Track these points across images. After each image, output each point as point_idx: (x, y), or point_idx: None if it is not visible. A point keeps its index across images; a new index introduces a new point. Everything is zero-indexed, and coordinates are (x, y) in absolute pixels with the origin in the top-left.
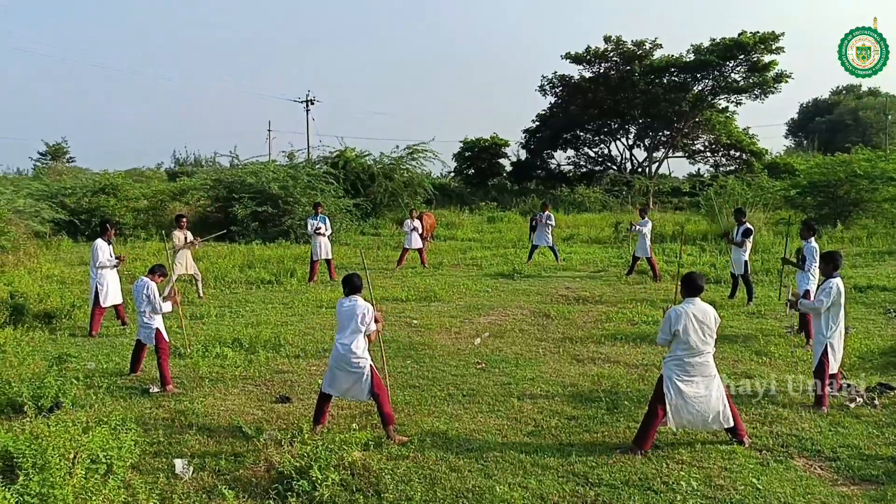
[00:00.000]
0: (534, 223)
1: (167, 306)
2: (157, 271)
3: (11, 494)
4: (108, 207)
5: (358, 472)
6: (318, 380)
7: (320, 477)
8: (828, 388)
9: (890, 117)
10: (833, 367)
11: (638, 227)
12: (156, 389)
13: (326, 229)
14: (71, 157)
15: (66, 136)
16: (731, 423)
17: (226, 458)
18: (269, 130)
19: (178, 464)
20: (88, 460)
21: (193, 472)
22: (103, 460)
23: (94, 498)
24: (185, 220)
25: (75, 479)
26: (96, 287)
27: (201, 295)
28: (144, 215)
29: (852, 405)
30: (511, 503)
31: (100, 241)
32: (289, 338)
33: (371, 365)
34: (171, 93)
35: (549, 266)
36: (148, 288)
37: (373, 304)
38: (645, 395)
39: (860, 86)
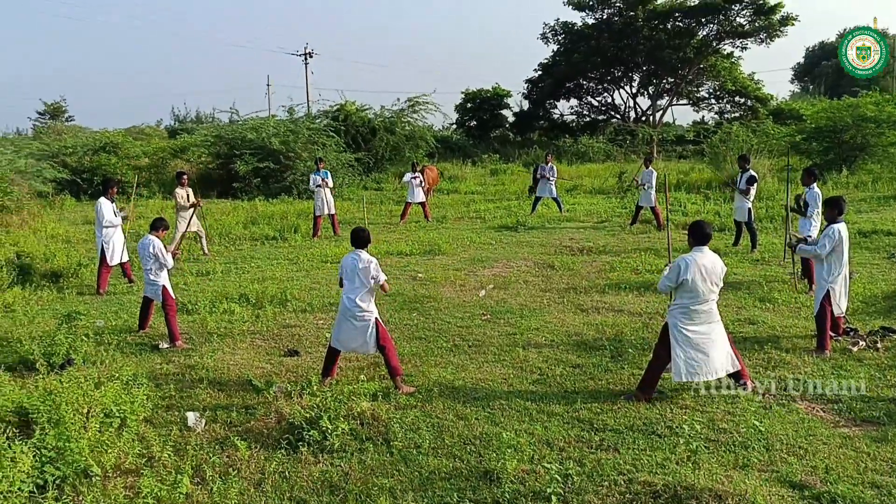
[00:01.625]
0: (537, 175)
1: (170, 259)
2: (160, 226)
3: (29, 448)
4: (110, 166)
5: (367, 422)
6: (325, 333)
7: (330, 427)
8: (830, 333)
9: None
10: (836, 311)
11: (643, 179)
12: (165, 345)
13: (329, 184)
14: (70, 116)
15: (64, 94)
16: (737, 367)
17: (237, 410)
18: (268, 85)
19: (191, 416)
20: (102, 414)
21: (205, 425)
22: (117, 414)
23: (109, 450)
24: (186, 177)
25: (90, 432)
26: (102, 246)
27: (206, 252)
28: (146, 173)
29: (855, 349)
30: (517, 448)
31: (103, 200)
32: (295, 293)
33: (377, 318)
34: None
35: (552, 217)
36: (154, 245)
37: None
38: (649, 342)
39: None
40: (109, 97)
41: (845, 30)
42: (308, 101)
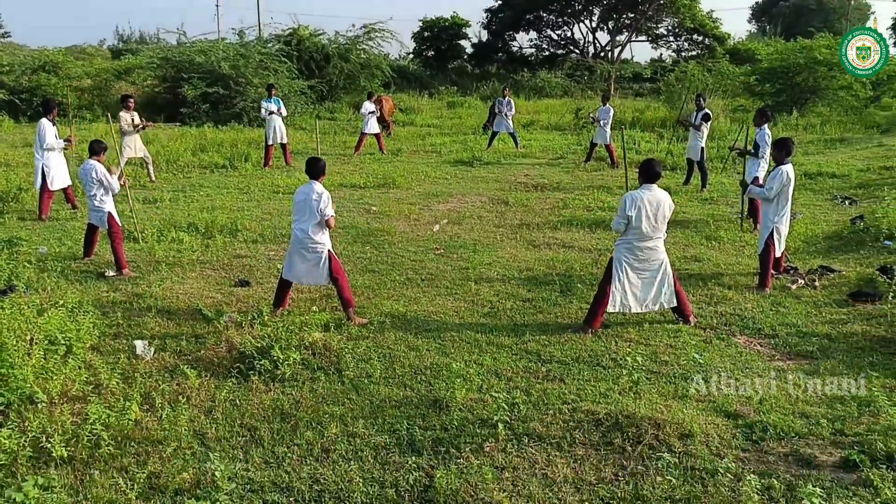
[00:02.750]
0: (495, 109)
1: (115, 183)
2: (99, 149)
3: None
4: (50, 86)
5: (319, 352)
6: (277, 264)
7: (282, 356)
8: (771, 271)
9: (853, 1)
10: (778, 251)
11: (598, 117)
12: (111, 273)
13: (281, 111)
14: (6, 33)
15: None
16: (674, 304)
17: (186, 339)
18: (217, 6)
19: (139, 345)
20: (46, 342)
21: (154, 353)
22: (62, 342)
23: (54, 378)
24: (132, 100)
25: (34, 359)
26: (42, 169)
27: (153, 178)
28: (88, 95)
29: (794, 287)
30: (467, 378)
31: (45, 122)
32: (246, 223)
33: (329, 250)
34: None
35: (508, 153)
36: (96, 171)
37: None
38: (597, 278)
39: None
40: (49, 14)
41: None
42: (259, 24)
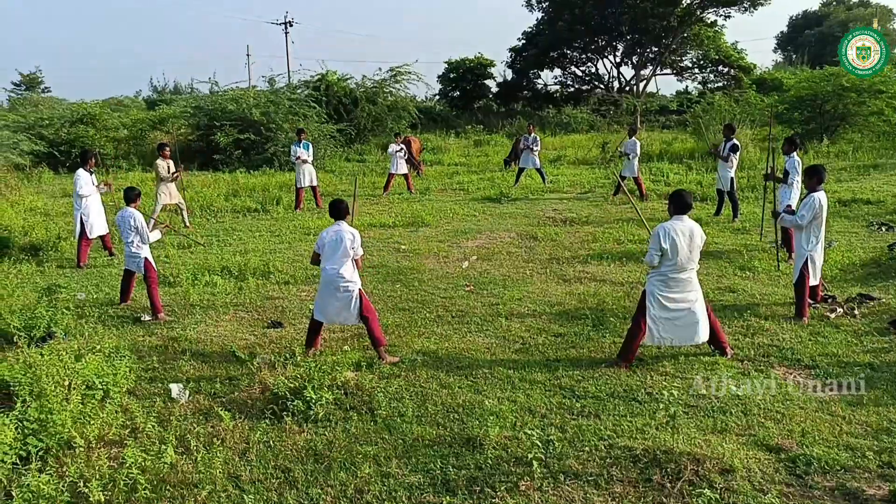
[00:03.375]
0: (520, 146)
1: (156, 234)
2: (135, 196)
3: (11, 420)
4: (88, 138)
5: (351, 391)
6: (308, 305)
7: (314, 397)
8: (808, 300)
9: (880, 28)
10: (813, 279)
11: (625, 150)
12: (147, 318)
13: (309, 156)
14: (46, 87)
15: (39, 64)
16: (708, 337)
17: (220, 381)
18: (247, 55)
19: (174, 388)
20: (84, 386)
21: (189, 396)
22: (99, 386)
23: (92, 422)
24: (167, 148)
25: (72, 404)
26: (81, 218)
27: (187, 224)
28: (125, 145)
29: (832, 316)
30: (500, 416)
31: (81, 172)
32: (278, 265)
33: (360, 289)
34: (146, 18)
35: (536, 188)
36: (134, 218)
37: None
38: (630, 311)
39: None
40: (87, 68)
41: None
42: (289, 71)
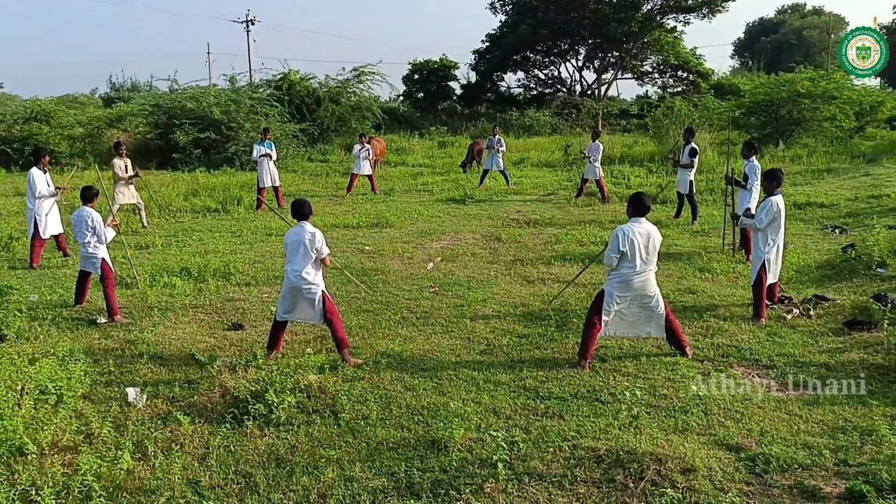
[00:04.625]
0: (485, 147)
1: (110, 233)
2: (92, 196)
3: None
4: (42, 136)
5: (314, 395)
6: (270, 307)
7: (276, 400)
8: (765, 301)
9: (833, 37)
10: (770, 280)
11: (589, 152)
12: (103, 320)
13: (273, 155)
14: None
15: None
16: (663, 334)
17: (179, 385)
18: (208, 53)
19: (131, 392)
20: (37, 391)
21: (147, 400)
22: (53, 391)
23: (45, 427)
24: (124, 147)
25: (24, 409)
26: (35, 218)
27: (145, 224)
28: (80, 143)
29: (789, 316)
30: (464, 418)
31: (35, 171)
32: (238, 266)
33: (323, 290)
34: (104, 14)
35: (500, 190)
36: (91, 218)
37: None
38: None
39: (805, 4)
40: (41, 65)
41: (783, 7)
42: (250, 70)
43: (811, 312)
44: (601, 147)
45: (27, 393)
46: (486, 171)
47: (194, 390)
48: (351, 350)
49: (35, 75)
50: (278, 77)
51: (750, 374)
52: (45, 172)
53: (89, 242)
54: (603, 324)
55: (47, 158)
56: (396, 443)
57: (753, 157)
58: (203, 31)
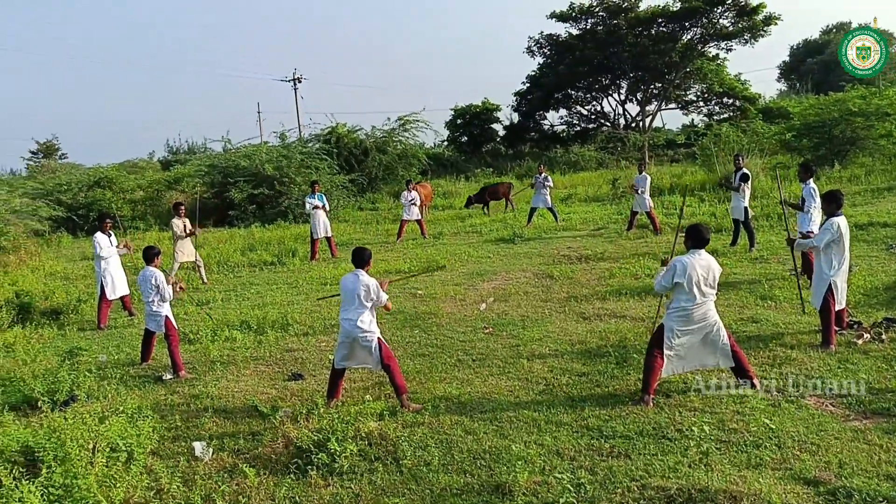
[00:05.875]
0: (532, 185)
1: (171, 292)
2: (155, 255)
3: (36, 487)
4: (105, 201)
5: (375, 442)
6: (328, 355)
7: (338, 449)
8: (834, 326)
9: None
10: (838, 305)
11: (637, 185)
12: (168, 376)
13: (325, 207)
14: (63, 154)
15: (55, 133)
16: (731, 364)
17: (244, 437)
18: (258, 112)
19: (198, 446)
20: (108, 449)
21: (213, 454)
22: (123, 448)
23: (117, 485)
24: (183, 207)
25: (97, 468)
26: (101, 280)
27: (205, 280)
28: (141, 206)
29: (860, 342)
30: (528, 460)
31: (99, 234)
32: (296, 316)
33: (379, 337)
34: (159, 82)
35: (548, 228)
36: (155, 277)
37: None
38: None
39: (850, 23)
40: (102, 132)
41: (828, 27)
42: (299, 125)
43: (883, 336)
44: (649, 178)
45: (99, 451)
46: (533, 209)
47: (258, 442)
48: (409, 395)
49: (97, 143)
50: (326, 131)
51: (823, 403)
52: (108, 236)
53: (153, 301)
54: (665, 358)
55: (109, 222)
56: (460, 488)
57: (810, 180)
58: (252, 90)
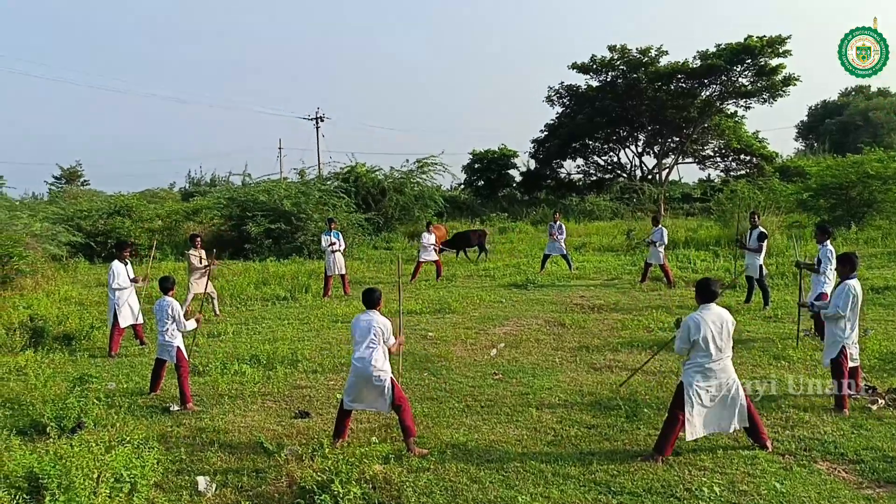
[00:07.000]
0: (550, 233)
1: (191, 324)
2: (171, 285)
3: None
4: (124, 229)
5: (379, 486)
6: (336, 394)
7: (342, 491)
8: (847, 391)
9: None
10: (850, 364)
11: (652, 239)
12: (176, 408)
13: (340, 244)
14: (85, 181)
15: (79, 159)
16: (747, 423)
17: (248, 474)
18: (279, 148)
19: (201, 481)
20: (112, 479)
21: (216, 489)
22: (127, 479)
23: None
24: (199, 239)
25: (100, 498)
26: (114, 308)
27: (217, 312)
28: (159, 235)
29: (874, 407)
30: None
31: (116, 263)
32: (306, 353)
33: (392, 378)
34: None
35: (562, 275)
36: (172, 307)
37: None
38: (664, 401)
39: (869, 87)
40: (125, 161)
41: (846, 89)
42: (319, 163)
43: None
44: (665, 231)
45: (103, 481)
46: (546, 256)
47: (262, 479)
48: (416, 440)
49: (120, 172)
50: (346, 170)
51: (835, 469)
52: (126, 264)
53: (167, 330)
54: (687, 422)
55: (128, 251)
56: None
57: (828, 241)
58: (275, 127)
